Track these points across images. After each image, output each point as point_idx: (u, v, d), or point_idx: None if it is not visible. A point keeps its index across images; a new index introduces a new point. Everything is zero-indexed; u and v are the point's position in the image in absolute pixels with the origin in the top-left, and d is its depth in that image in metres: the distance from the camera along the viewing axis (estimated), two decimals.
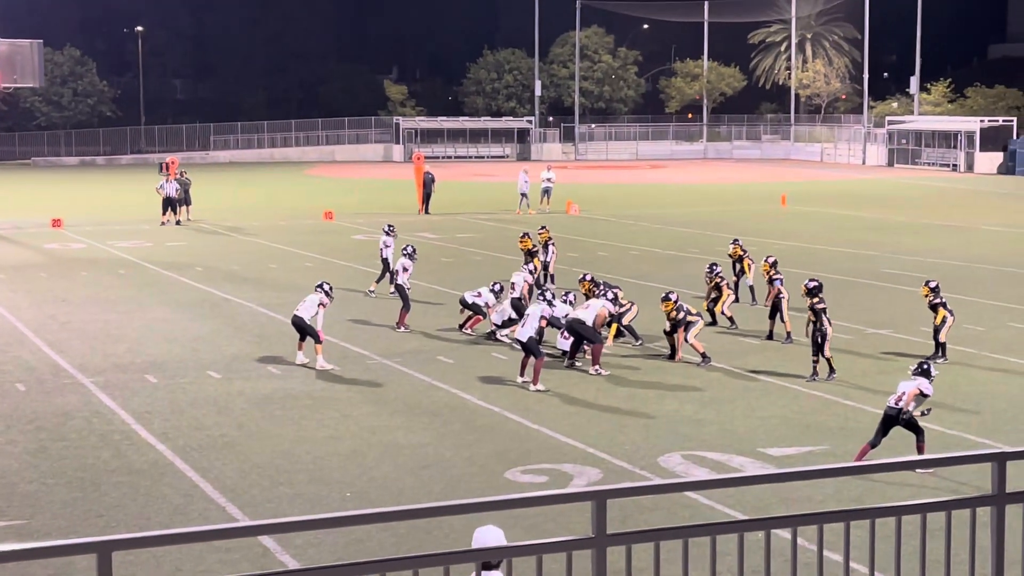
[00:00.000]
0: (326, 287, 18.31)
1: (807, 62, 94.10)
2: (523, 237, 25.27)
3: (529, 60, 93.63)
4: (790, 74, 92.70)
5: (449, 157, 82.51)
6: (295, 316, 18.04)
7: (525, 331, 17.06)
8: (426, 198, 42.50)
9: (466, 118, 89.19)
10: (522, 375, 17.13)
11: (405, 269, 21.18)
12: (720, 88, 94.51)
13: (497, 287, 20.59)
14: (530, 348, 16.97)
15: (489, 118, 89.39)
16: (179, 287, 26.36)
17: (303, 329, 17.97)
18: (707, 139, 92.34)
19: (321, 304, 18.02)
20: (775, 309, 20.04)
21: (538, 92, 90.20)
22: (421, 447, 14.09)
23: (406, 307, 20.76)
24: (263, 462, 13.51)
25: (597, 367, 17.72)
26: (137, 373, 17.81)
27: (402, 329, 20.44)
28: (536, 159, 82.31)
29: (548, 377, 17.45)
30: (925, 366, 13.38)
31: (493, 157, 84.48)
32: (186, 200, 39.98)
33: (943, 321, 18.34)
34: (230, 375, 17.69)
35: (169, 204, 39.09)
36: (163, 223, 38.67)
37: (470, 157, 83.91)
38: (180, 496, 12.36)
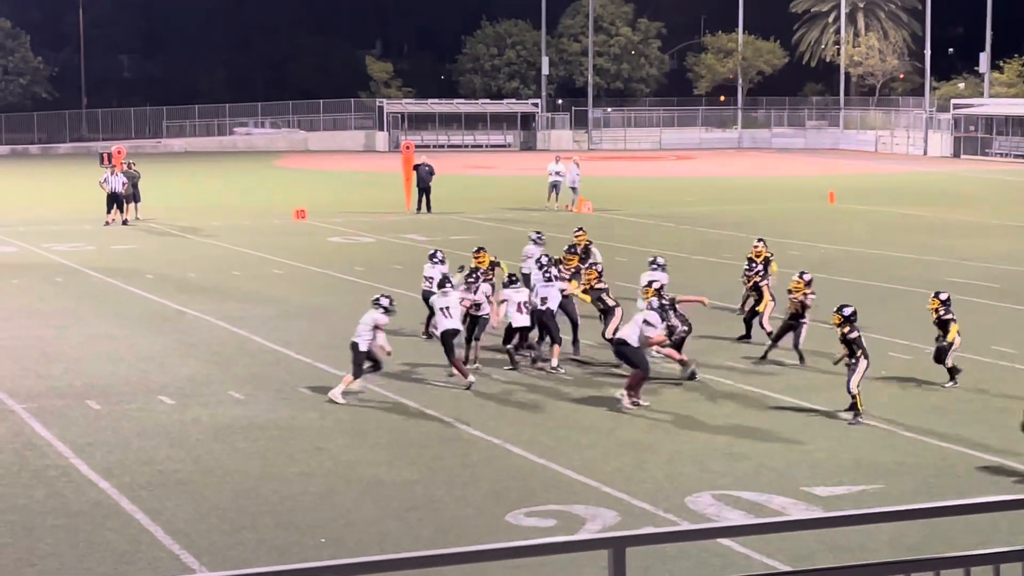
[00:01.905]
0: (384, 302, 17.89)
1: (859, 36, 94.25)
2: (569, 249, 23.71)
3: (535, 33, 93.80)
4: (839, 50, 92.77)
5: (441, 146, 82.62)
6: (352, 343, 17.74)
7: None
8: (422, 193, 42.53)
9: (461, 101, 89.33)
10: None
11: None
12: (757, 66, 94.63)
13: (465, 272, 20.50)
14: (628, 358, 17.41)
15: (488, 101, 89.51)
16: (126, 297, 26.36)
17: (363, 356, 17.59)
18: (742, 125, 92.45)
19: (377, 326, 17.65)
20: (753, 313, 21.31)
21: (545, 70, 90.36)
22: (407, 485, 14.09)
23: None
24: (223, 503, 13.50)
25: (635, 399, 17.19)
26: (76, 398, 17.82)
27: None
28: (542, 148, 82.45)
29: (539, 397, 17.45)
30: None
31: (493, 146, 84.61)
32: (135, 196, 40.04)
33: (952, 341, 18.27)
34: (185, 401, 17.69)
35: (115, 201, 39.10)
36: (108, 223, 38.71)
37: (466, 146, 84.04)
38: (126, 542, 12.36)
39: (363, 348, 17.56)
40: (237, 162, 71.96)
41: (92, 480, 14.24)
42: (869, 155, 79.89)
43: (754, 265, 21.73)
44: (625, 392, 17.25)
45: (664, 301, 18.75)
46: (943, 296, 18.75)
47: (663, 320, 17.95)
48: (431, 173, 42.72)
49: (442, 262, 21.22)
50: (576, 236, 24.66)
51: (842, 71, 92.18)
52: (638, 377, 17.28)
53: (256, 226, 39.13)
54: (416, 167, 42.83)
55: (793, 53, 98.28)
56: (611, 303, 20.18)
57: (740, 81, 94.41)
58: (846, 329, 16.88)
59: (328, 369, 19.49)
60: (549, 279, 19.78)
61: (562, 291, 19.93)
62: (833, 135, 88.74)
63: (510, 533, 12.56)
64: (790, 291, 20.07)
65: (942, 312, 18.51)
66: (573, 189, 43.76)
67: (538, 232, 23.87)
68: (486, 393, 18.04)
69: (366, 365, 17.63)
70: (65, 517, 13.04)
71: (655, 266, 21.90)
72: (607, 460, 15.00)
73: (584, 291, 20.42)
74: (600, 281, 20.37)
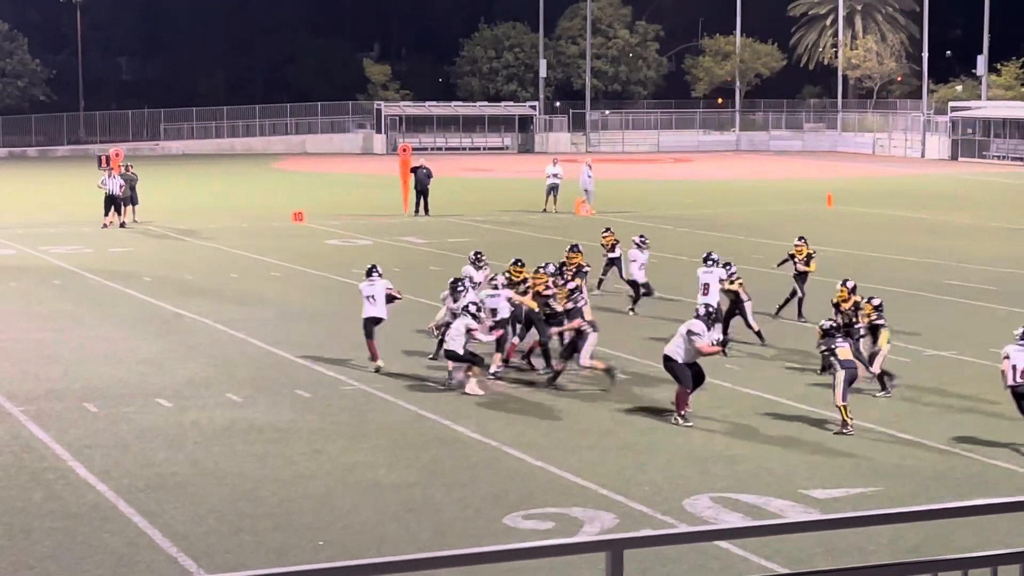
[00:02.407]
0: (472, 309, 18.30)
1: (856, 38, 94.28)
2: (593, 249, 24.45)
3: (533, 36, 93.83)
4: (837, 52, 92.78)
5: (439, 148, 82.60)
6: (446, 351, 18.35)
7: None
8: (420, 196, 42.54)
9: (459, 103, 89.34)
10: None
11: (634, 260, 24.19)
12: (755, 68, 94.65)
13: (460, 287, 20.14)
14: (675, 374, 16.70)
15: (486, 103, 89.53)
16: (124, 300, 26.36)
17: (461, 357, 18.10)
18: (740, 128, 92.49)
19: (470, 331, 18.01)
20: (731, 315, 21.19)
21: (543, 73, 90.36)
22: (406, 487, 14.09)
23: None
24: (221, 505, 13.50)
25: (681, 413, 16.61)
26: (74, 401, 17.82)
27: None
28: (540, 151, 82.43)
29: (537, 399, 17.45)
30: None
31: (490, 149, 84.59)
32: (132, 199, 40.02)
33: (881, 348, 18.04)
34: (183, 403, 17.69)
35: (112, 203, 39.10)
36: (106, 225, 38.71)
37: (464, 149, 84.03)
38: (124, 545, 12.35)
39: (460, 352, 18.11)
40: (235, 164, 71.97)
41: (90, 483, 14.24)
42: (867, 158, 79.92)
43: (731, 268, 21.63)
44: (679, 411, 16.63)
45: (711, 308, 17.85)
46: (876, 302, 18.48)
47: (709, 327, 17.05)
48: (429, 176, 42.73)
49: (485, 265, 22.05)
50: (604, 237, 25.64)
51: (840, 74, 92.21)
52: (683, 393, 16.62)
53: (254, 228, 39.12)
54: (414, 170, 42.84)
55: (791, 56, 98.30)
56: (559, 308, 19.11)
57: (738, 84, 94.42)
58: (874, 316, 17.88)
59: (326, 372, 19.49)
60: (496, 287, 19.61)
61: (509, 299, 19.45)
62: (831, 138, 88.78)
63: (508, 535, 12.56)
64: (837, 304, 19.12)
65: (874, 317, 18.30)
66: (587, 192, 43.78)
67: (477, 253, 22.70)
68: (484, 396, 18.03)
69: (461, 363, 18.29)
70: (63, 520, 13.04)
71: (710, 262, 21.58)
72: (605, 462, 15.01)
73: (532, 297, 19.57)
74: (550, 289, 19.51)
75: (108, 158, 41.85)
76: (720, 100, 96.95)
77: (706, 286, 21.49)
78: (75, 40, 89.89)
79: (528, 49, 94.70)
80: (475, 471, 14.70)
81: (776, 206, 46.64)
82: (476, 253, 22.48)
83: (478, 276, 21.26)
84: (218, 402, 17.77)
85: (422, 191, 42.64)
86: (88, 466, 14.81)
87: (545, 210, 43.55)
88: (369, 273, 20.04)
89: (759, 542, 11.78)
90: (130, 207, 39.88)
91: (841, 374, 16.20)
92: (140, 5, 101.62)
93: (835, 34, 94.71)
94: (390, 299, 19.81)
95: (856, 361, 16.74)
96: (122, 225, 39.04)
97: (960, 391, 18.42)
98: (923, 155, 78.89)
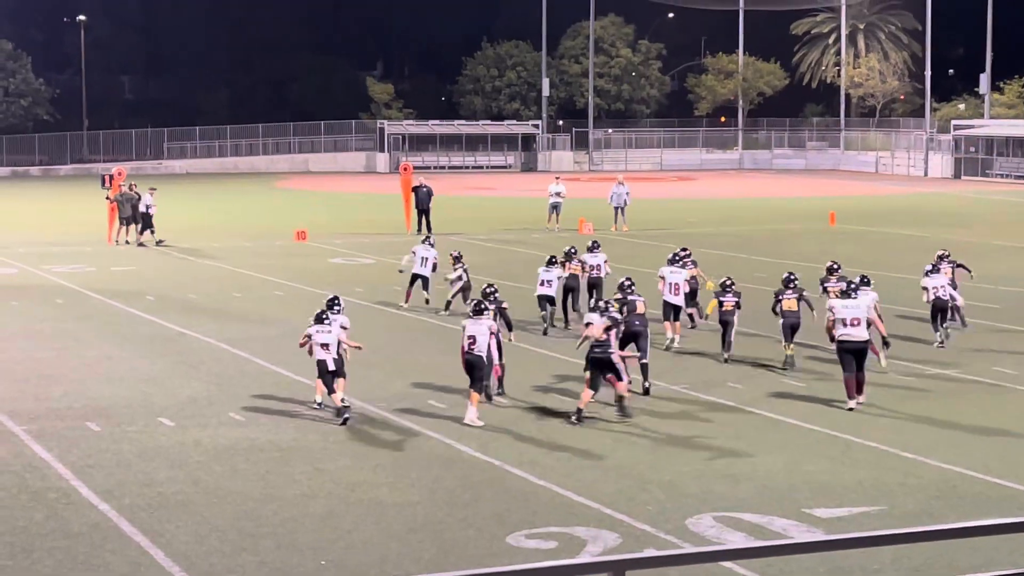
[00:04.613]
0: (494, 328, 18.32)
1: (859, 57, 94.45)
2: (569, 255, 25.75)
3: (535, 54, 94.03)
4: (839, 71, 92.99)
5: (442, 167, 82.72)
6: (472, 357, 18.16)
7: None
8: (422, 215, 42.60)
9: (462, 122, 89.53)
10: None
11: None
12: (758, 87, 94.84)
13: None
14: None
15: (489, 122, 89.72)
16: (126, 319, 26.37)
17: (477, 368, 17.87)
18: (743, 147, 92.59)
19: (492, 333, 18.10)
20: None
21: (546, 92, 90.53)
22: (409, 506, 14.08)
23: None
24: (224, 524, 13.49)
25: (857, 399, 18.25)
26: (76, 420, 17.82)
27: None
28: (543, 170, 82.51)
29: (540, 418, 17.44)
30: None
31: (493, 167, 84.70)
32: (134, 218, 40.12)
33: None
34: (185, 422, 17.69)
35: (141, 220, 39.62)
36: (139, 243, 39.36)
37: (467, 167, 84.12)
38: (126, 564, 12.34)
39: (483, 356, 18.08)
40: (238, 183, 72.07)
41: (92, 502, 14.23)
42: (870, 176, 79.98)
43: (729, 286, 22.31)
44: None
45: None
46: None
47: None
48: (430, 195, 42.78)
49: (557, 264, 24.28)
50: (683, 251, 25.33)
51: (842, 92, 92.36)
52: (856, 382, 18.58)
53: (257, 247, 39.16)
54: (415, 189, 42.90)
55: (794, 74, 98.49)
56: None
57: (741, 102, 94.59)
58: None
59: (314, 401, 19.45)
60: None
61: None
62: (834, 156, 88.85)
63: (511, 555, 12.55)
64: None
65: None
66: (620, 209, 43.90)
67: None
68: (487, 415, 18.01)
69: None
70: (65, 539, 13.02)
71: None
72: (608, 482, 14.99)
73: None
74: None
75: (111, 177, 41.94)
76: (723, 119, 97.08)
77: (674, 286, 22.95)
78: (78, 59, 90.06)
79: (531, 68, 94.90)
80: (478, 490, 14.69)
81: (778, 225, 46.64)
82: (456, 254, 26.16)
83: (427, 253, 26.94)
84: (220, 421, 17.76)
85: (423, 210, 42.69)
86: (90, 485, 14.80)
87: (547, 228, 43.60)
88: (328, 307, 18.60)
89: (763, 562, 11.76)
90: (132, 226, 40.00)
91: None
92: (142, 24, 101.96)
93: (838, 52, 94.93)
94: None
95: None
96: (140, 244, 39.30)
97: (963, 410, 18.39)
98: (926, 173, 78.93)
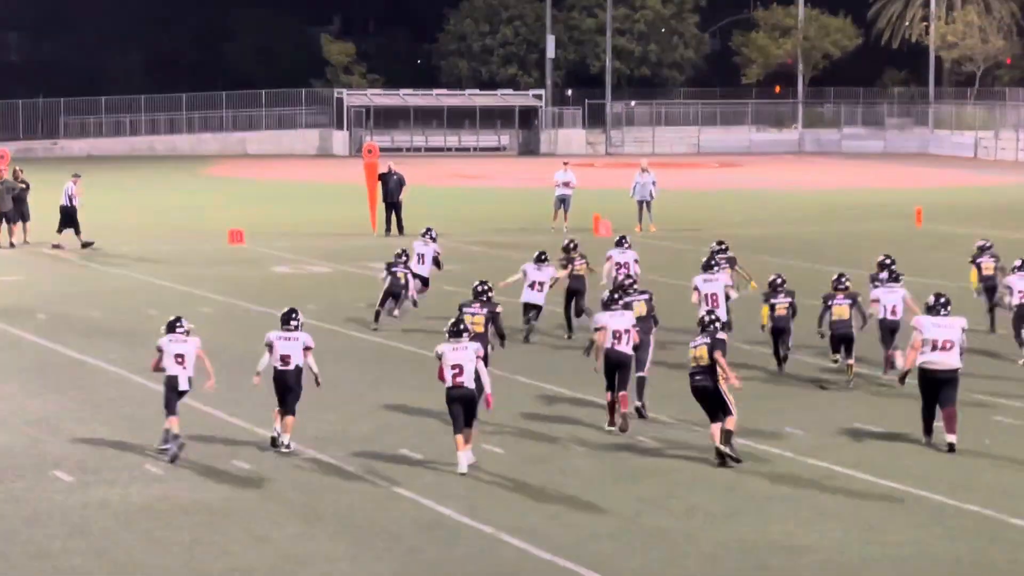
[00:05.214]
0: (480, 351, 18.41)
1: (953, 10, 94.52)
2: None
3: (538, 5, 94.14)
4: (928, 28, 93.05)
5: (418, 149, 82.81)
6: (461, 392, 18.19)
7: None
8: (391, 210, 42.50)
9: (443, 91, 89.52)
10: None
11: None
12: (823, 48, 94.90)
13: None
14: None
15: (477, 92, 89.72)
16: (9, 344, 26.31)
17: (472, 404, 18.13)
18: (804, 124, 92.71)
19: (479, 357, 18.21)
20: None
21: (551, 53, 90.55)
22: None
23: None
24: None
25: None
26: None
27: None
28: (547, 153, 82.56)
29: (542, 471, 17.43)
30: None
31: (484, 150, 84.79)
32: (21, 214, 40.05)
33: None
34: (87, 477, 17.63)
35: (61, 215, 39.41)
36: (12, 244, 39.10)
37: (449, 149, 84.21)
38: None
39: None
40: (155, 169, 71.99)
41: None
42: (967, 162, 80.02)
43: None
44: None
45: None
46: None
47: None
48: (401, 184, 42.69)
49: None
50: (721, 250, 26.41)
51: (931, 55, 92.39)
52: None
53: (179, 252, 39.09)
54: (382, 176, 42.83)
55: (869, 32, 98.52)
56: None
57: (801, 68, 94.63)
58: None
59: (269, 435, 19.42)
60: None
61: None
62: (920, 137, 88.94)
63: None
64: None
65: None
66: (645, 203, 44.00)
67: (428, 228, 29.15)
68: (475, 466, 17.98)
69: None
70: None
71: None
72: (631, 555, 14.97)
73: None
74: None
75: None
76: (778, 88, 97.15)
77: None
78: None
79: (532, 22, 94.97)
80: (463, 565, 14.66)
81: (849, 225, 46.60)
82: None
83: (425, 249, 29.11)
84: (133, 475, 17.71)
85: (392, 204, 42.61)
86: None
87: (553, 227, 43.57)
88: (284, 322, 19.10)
89: None
90: (18, 224, 39.89)
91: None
92: None
93: (926, 5, 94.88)
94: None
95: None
96: (11, 246, 39.12)
97: None
98: None
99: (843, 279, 23.15)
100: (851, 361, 22.70)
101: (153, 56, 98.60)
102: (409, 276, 27.68)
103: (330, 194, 57.43)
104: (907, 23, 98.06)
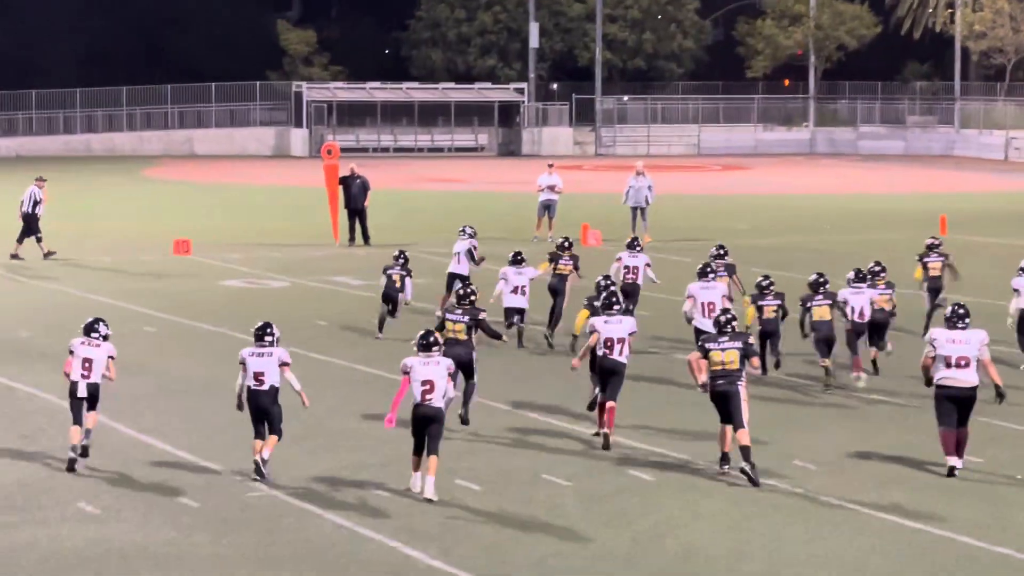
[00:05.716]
0: (451, 368, 18.68)
1: None
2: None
3: None
4: (953, 16, 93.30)
5: (385, 149, 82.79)
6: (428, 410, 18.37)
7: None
8: (354, 217, 42.44)
9: (414, 85, 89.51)
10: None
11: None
12: (837, 38, 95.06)
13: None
14: None
15: (452, 86, 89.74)
16: None
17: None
18: (816, 122, 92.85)
19: (449, 374, 18.51)
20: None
21: (534, 43, 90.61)
22: None
23: None
24: None
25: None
26: None
27: None
28: (530, 154, 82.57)
29: (540, 511, 17.41)
30: None
31: (459, 150, 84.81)
32: None
33: None
34: (13, 518, 17.58)
35: (23, 222, 39.49)
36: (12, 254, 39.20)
37: (421, 150, 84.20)
38: None
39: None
40: (92, 171, 71.83)
41: None
42: (997, 165, 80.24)
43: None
44: None
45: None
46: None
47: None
48: (365, 189, 42.61)
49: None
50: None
51: (957, 46, 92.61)
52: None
53: (118, 263, 39.02)
54: (343, 180, 42.77)
55: (888, 21, 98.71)
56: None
57: (813, 60, 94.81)
58: None
59: (222, 471, 19.36)
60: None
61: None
62: (945, 137, 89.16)
63: None
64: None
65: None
66: (640, 211, 43.99)
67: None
68: (450, 501, 17.94)
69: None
70: None
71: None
72: None
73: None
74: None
75: None
76: (787, 82, 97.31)
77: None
78: None
79: (513, 8, 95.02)
80: None
81: (867, 234, 46.66)
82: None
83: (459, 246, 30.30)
84: (64, 515, 17.65)
85: (356, 210, 42.54)
86: None
87: (537, 236, 43.58)
88: (258, 338, 19.31)
89: None
90: None
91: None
92: None
93: None
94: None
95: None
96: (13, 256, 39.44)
97: None
98: None
99: (821, 278, 24.48)
100: (827, 362, 24.16)
101: (90, 44, 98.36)
102: (406, 279, 28.50)
103: (287, 199, 57.35)
104: (930, 10, 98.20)
